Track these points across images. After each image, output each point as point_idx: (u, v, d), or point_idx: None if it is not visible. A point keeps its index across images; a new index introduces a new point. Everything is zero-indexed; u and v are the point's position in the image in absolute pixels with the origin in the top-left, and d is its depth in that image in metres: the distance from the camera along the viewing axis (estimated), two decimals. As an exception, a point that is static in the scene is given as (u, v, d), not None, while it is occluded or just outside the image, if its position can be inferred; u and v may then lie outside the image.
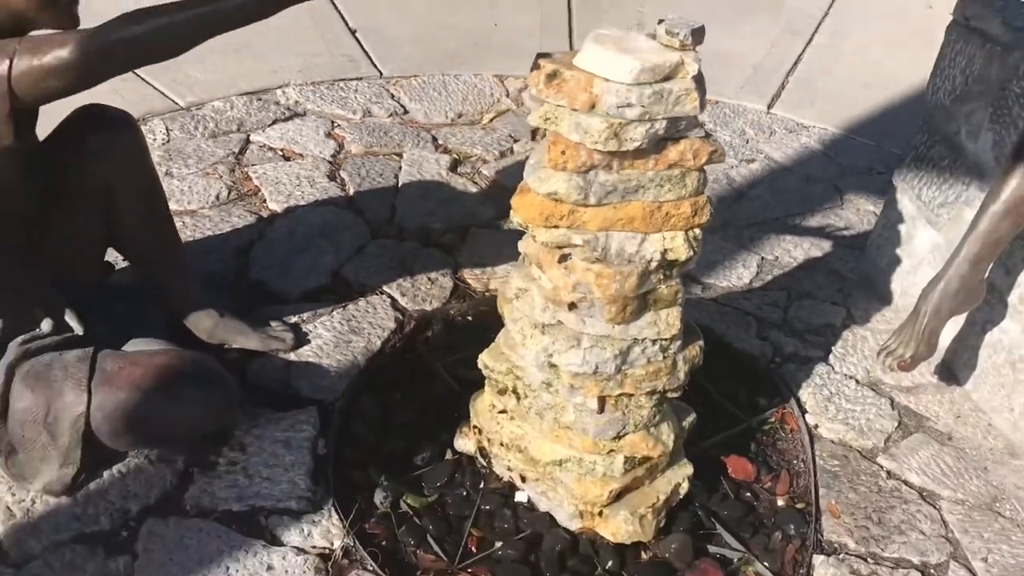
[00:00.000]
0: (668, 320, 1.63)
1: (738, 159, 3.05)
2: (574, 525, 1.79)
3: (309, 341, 2.12)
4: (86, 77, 1.41)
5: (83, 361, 1.71)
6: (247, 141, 2.82)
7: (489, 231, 2.59)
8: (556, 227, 1.53)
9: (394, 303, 2.28)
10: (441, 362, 2.15)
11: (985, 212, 1.81)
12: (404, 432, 1.97)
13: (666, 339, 1.65)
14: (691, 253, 1.57)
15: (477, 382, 2.00)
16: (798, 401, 2.13)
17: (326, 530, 1.71)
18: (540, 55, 1.48)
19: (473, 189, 2.75)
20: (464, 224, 2.60)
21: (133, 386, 1.69)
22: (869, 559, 1.77)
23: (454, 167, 2.84)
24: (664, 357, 1.67)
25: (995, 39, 2.05)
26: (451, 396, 2.05)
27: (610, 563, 1.74)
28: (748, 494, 1.93)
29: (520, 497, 1.86)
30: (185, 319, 2.02)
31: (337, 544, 1.69)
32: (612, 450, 1.72)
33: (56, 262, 1.82)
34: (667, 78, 1.42)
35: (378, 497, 1.81)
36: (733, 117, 3.30)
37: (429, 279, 2.37)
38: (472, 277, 2.40)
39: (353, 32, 3.58)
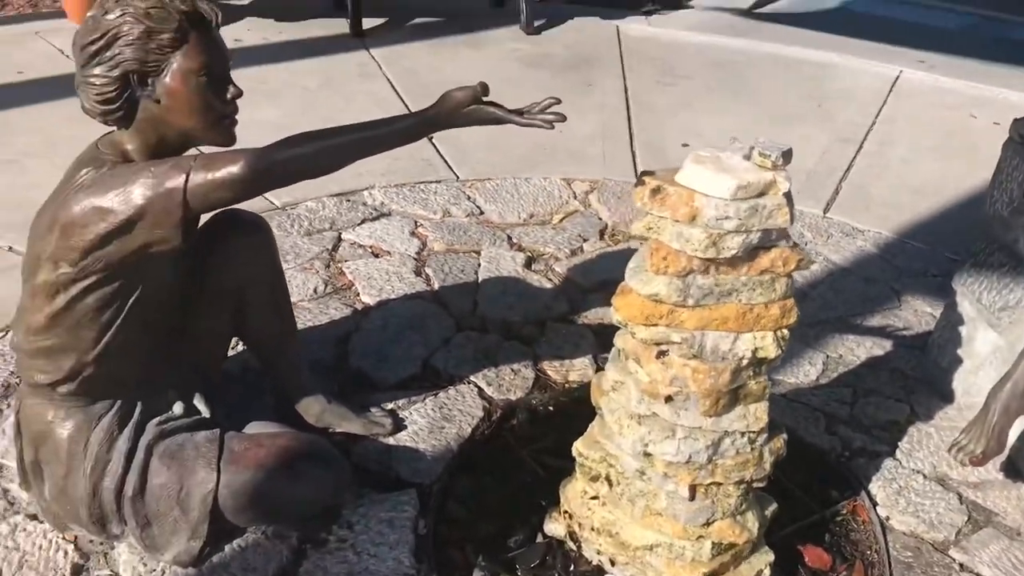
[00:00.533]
0: (756, 414, 1.76)
1: (798, 261, 3.20)
2: None
3: (406, 426, 2.27)
4: (251, 190, 1.60)
5: (212, 442, 1.87)
6: (339, 239, 3.02)
7: (564, 324, 2.74)
8: (656, 325, 1.68)
9: (481, 392, 2.43)
10: (527, 449, 2.28)
11: None
12: (497, 514, 2.09)
13: (754, 432, 1.78)
14: (779, 351, 1.71)
15: (563, 469, 2.13)
16: (868, 494, 2.23)
17: (431, 605, 1.83)
18: (644, 172, 1.65)
19: (548, 285, 2.91)
20: (541, 318, 2.75)
21: (258, 466, 1.84)
22: (947, 648, 1.85)
23: (529, 264, 3.01)
24: (752, 449, 1.80)
25: (1050, 154, 2.21)
26: (538, 482, 2.18)
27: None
28: (824, 583, 2.02)
29: (609, 579, 1.96)
30: (296, 404, 2.18)
31: (443, 619, 1.80)
32: (701, 536, 1.83)
33: (189, 350, 1.99)
34: (761, 194, 1.58)
35: (477, 576, 1.92)
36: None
37: (512, 370, 2.51)
38: (551, 369, 2.55)
39: (430, 138, 3.81)
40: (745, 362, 1.71)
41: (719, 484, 1.80)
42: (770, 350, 1.70)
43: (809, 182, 3.73)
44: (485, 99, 1.57)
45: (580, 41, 5.17)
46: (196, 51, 1.65)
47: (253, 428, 2.00)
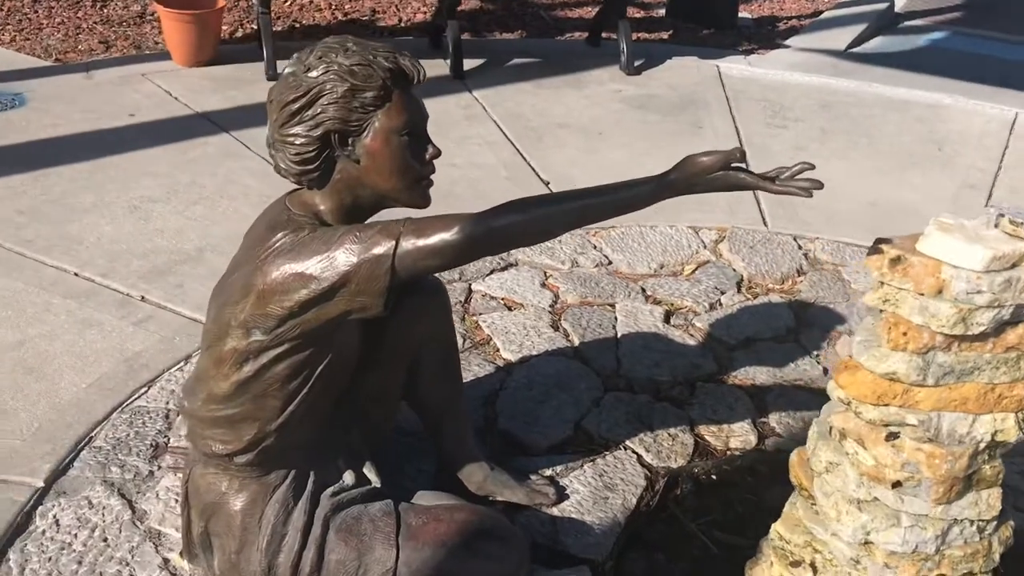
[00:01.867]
0: (989, 501, 1.62)
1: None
2: None
3: (568, 496, 2.15)
4: (463, 258, 1.51)
5: (389, 515, 1.77)
6: (470, 290, 2.93)
7: (715, 385, 2.61)
8: (888, 405, 1.55)
9: (640, 459, 2.30)
10: (696, 523, 2.15)
11: None
12: (675, 596, 1.96)
13: (985, 520, 1.63)
14: (1020, 434, 1.57)
15: (736, 546, 2.00)
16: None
17: None
18: (879, 240, 1.53)
19: (691, 341, 2.79)
20: (689, 377, 2.63)
21: (438, 542, 1.74)
22: None
23: (667, 318, 2.89)
24: (980, 538, 1.65)
25: None
26: (711, 559, 2.05)
27: None
28: None
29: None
30: (458, 470, 2.08)
31: None
32: (924, 633, 1.68)
33: (359, 414, 1.90)
34: (1014, 266, 1.45)
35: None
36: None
37: (669, 435, 2.39)
38: (710, 434, 2.41)
39: (547, 183, 3.73)
40: (983, 446, 1.57)
41: (944, 576, 1.66)
42: (1011, 433, 1.56)
43: (945, 232, 3.56)
44: (734, 165, 1.47)
45: (682, 82, 5.06)
46: (399, 110, 1.57)
47: (424, 499, 1.90)
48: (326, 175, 1.61)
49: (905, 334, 1.50)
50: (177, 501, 2.05)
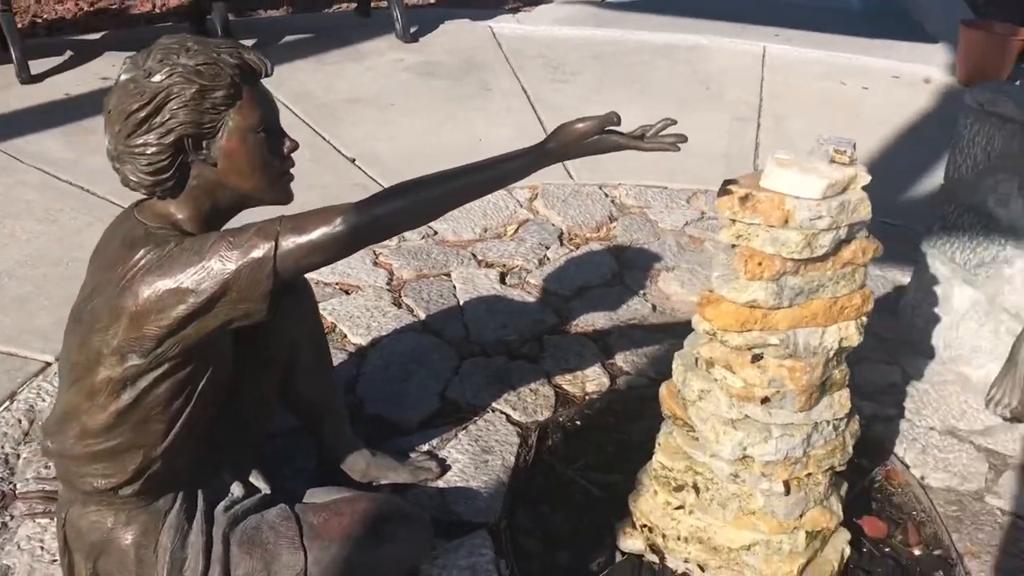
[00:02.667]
0: (841, 401, 1.81)
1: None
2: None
3: (449, 466, 2.19)
4: (348, 250, 1.49)
5: (288, 519, 1.74)
6: (303, 279, 2.87)
7: (560, 336, 2.72)
8: (751, 331, 1.70)
9: (508, 418, 2.37)
10: (571, 469, 2.25)
11: None
12: (568, 540, 2.05)
13: (839, 419, 1.83)
14: (861, 338, 1.76)
15: (614, 484, 2.13)
16: (897, 457, 2.34)
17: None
18: (727, 181, 1.66)
19: (529, 298, 2.88)
20: (536, 332, 2.72)
21: (344, 536, 1.73)
22: (1020, 590, 1.97)
23: (502, 280, 2.97)
24: (837, 435, 1.84)
25: (1012, 119, 2.37)
26: (593, 500, 2.16)
27: None
28: (887, 549, 2.11)
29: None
30: (341, 462, 2.06)
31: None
32: (796, 527, 1.87)
33: (238, 423, 1.84)
34: (845, 190, 1.62)
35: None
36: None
37: (530, 390, 2.47)
38: (566, 383, 2.52)
39: (352, 160, 3.69)
40: (832, 353, 1.75)
41: (811, 475, 1.84)
42: (854, 338, 1.76)
43: (730, 164, 3.86)
44: (608, 128, 1.53)
45: (460, 46, 5.12)
46: (251, 107, 1.52)
47: (316, 496, 1.88)
48: (182, 182, 1.53)
49: (760, 264, 1.64)
50: (43, 549, 1.91)
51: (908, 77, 5.04)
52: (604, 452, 2.31)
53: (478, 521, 2.06)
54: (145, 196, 1.58)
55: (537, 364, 2.58)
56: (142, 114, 1.47)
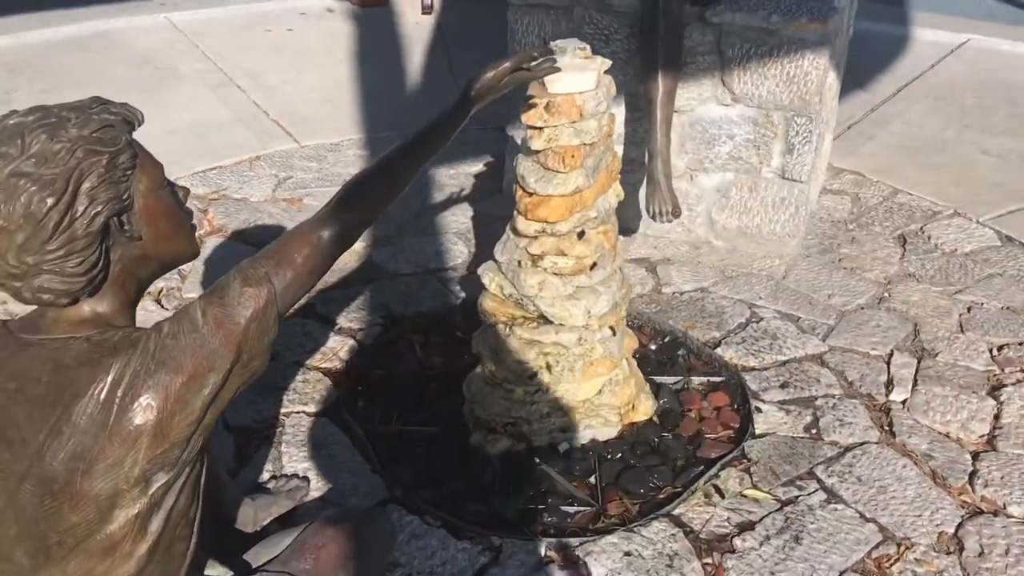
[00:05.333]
0: (618, 250, 2.23)
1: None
2: (617, 431, 2.31)
3: (308, 478, 2.14)
4: (333, 262, 1.43)
5: None
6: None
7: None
8: (575, 214, 2.01)
9: (305, 413, 2.36)
10: (394, 427, 2.36)
11: (657, 103, 2.71)
12: (448, 473, 2.21)
13: (620, 265, 2.24)
14: (621, 193, 2.18)
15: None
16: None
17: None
18: (527, 97, 1.90)
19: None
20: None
21: (342, 561, 1.69)
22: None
23: (163, 307, 2.77)
24: (623, 276, 2.27)
25: (553, 5, 2.93)
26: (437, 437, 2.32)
27: (662, 434, 2.33)
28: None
29: (562, 447, 2.28)
30: (236, 522, 1.91)
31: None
32: (622, 358, 2.28)
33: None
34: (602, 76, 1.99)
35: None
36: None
37: (300, 380, 2.46)
38: (317, 362, 2.55)
39: None
40: (612, 209, 2.15)
41: (621, 315, 2.25)
42: (621, 193, 2.17)
43: (252, 127, 3.91)
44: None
45: None
46: (148, 162, 1.34)
47: (265, 554, 1.76)
48: (106, 272, 1.31)
49: (573, 156, 1.94)
50: None
51: (314, 12, 5.43)
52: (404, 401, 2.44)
53: (376, 501, 2.09)
54: (43, 306, 1.30)
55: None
56: (59, 208, 1.21)
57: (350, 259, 3.03)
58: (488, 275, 2.17)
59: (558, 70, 1.74)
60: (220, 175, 3.52)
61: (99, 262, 1.27)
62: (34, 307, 1.33)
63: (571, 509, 2.12)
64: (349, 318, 2.71)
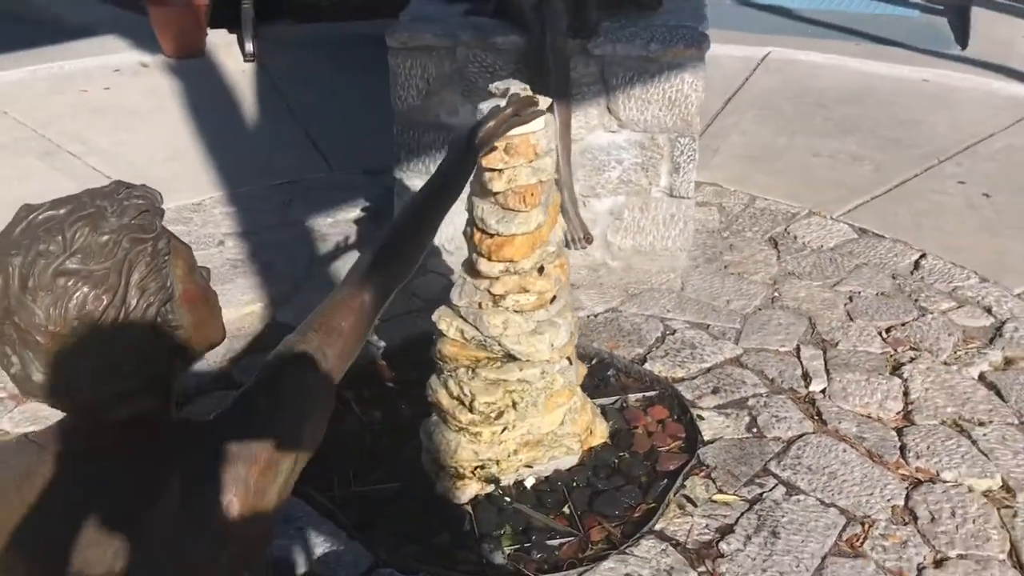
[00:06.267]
0: (568, 280, 2.28)
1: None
2: (577, 458, 2.35)
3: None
4: (374, 322, 1.38)
5: None
6: None
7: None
8: (535, 250, 2.04)
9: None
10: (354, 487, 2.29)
11: (556, 135, 2.79)
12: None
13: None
14: (564, 231, 2.24)
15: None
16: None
17: None
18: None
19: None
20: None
21: None
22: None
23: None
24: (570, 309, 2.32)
25: (435, 47, 2.95)
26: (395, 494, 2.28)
27: (620, 454, 2.38)
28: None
29: (529, 482, 2.30)
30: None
31: None
32: (578, 385, 2.33)
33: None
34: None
35: None
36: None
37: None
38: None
39: None
40: (561, 240, 2.20)
41: (574, 342, 2.30)
42: (564, 223, 2.22)
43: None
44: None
45: None
46: (178, 245, 1.25)
47: None
48: (159, 368, 1.21)
49: (532, 194, 1.97)
50: None
51: (128, 67, 5.15)
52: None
53: (367, 566, 2.02)
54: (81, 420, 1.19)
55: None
56: (115, 304, 1.12)
57: (253, 322, 2.91)
58: (445, 320, 2.15)
59: (542, 113, 1.77)
60: (81, 249, 3.27)
61: (160, 357, 1.18)
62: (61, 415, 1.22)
63: (555, 542, 2.14)
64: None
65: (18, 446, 1.22)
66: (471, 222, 2.07)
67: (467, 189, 2.13)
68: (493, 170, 1.94)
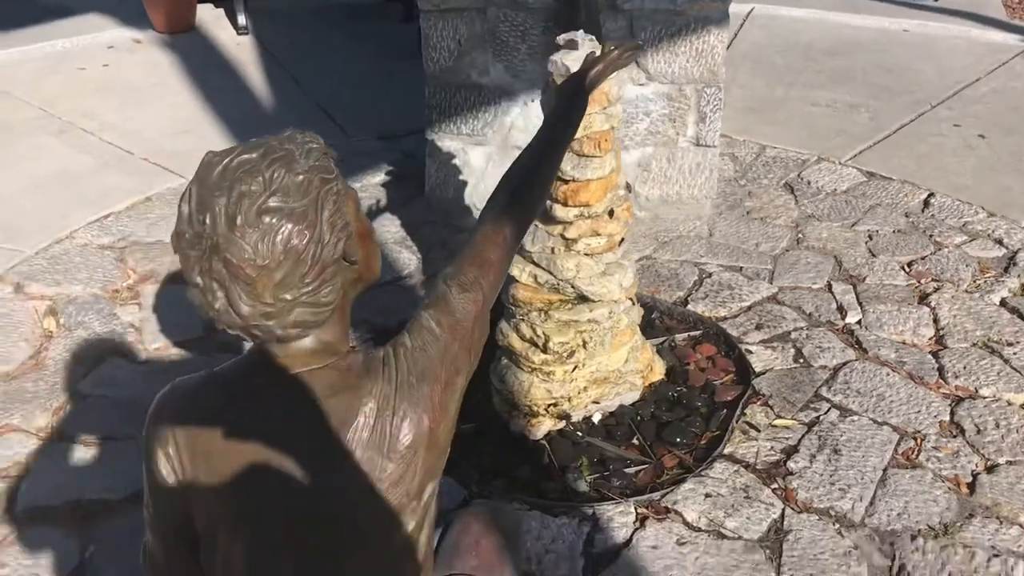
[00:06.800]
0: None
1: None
2: (639, 393, 2.47)
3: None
4: (514, 255, 1.49)
5: None
6: None
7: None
8: (608, 195, 2.14)
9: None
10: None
11: None
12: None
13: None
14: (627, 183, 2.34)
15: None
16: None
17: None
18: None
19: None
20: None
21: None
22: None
23: (130, 363, 2.61)
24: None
25: (466, 8, 3.02)
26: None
27: (678, 389, 2.51)
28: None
29: (596, 418, 2.42)
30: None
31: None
32: (638, 324, 2.45)
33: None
34: (611, 64, 2.14)
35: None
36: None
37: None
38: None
39: None
40: (623, 184, 2.31)
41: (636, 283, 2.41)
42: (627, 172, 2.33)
43: (182, 160, 3.69)
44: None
45: None
46: (348, 186, 1.35)
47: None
48: (337, 297, 1.31)
49: (606, 140, 2.08)
50: None
51: (121, 44, 5.13)
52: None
53: (461, 498, 2.13)
54: (273, 348, 1.28)
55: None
56: (314, 239, 1.21)
57: (302, 283, 2.98)
58: (516, 267, 2.25)
59: (641, 55, 1.87)
60: (118, 222, 3.31)
61: (339, 289, 1.27)
62: (245, 352, 1.31)
63: (631, 470, 2.26)
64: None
65: (210, 380, 1.32)
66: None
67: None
68: (569, 116, 2.04)
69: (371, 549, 1.27)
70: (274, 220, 1.18)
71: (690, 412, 2.44)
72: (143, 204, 3.44)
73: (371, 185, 3.59)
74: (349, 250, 1.29)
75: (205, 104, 4.35)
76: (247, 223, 1.17)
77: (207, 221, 1.18)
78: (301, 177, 1.21)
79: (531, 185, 1.56)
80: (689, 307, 2.83)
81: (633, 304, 2.39)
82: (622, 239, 2.25)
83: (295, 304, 1.22)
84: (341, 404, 1.25)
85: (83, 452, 2.28)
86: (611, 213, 2.19)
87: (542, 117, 3.02)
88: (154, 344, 2.67)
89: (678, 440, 2.34)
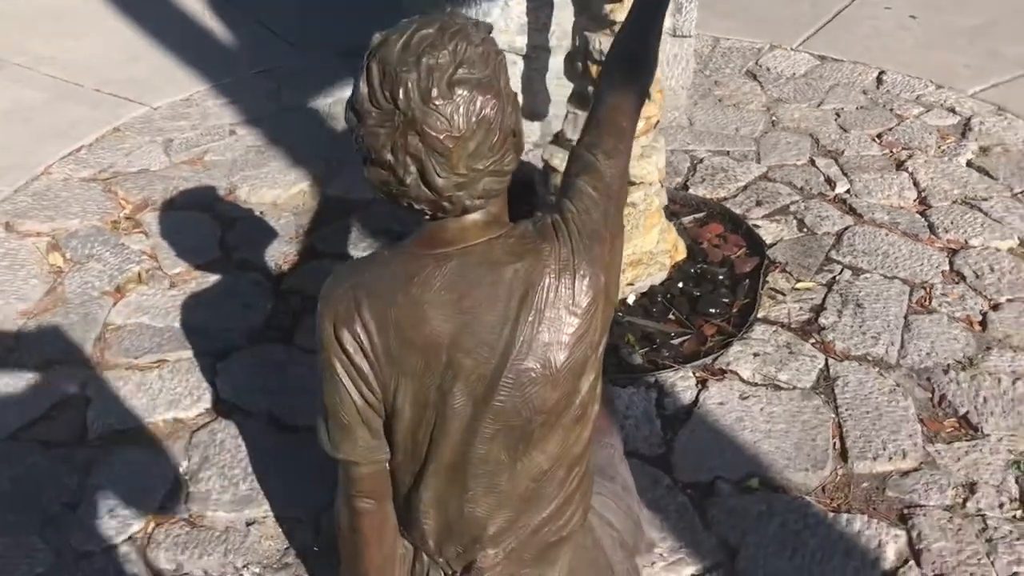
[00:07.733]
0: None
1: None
2: (666, 273, 2.59)
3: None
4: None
5: None
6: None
7: (285, 281, 2.62)
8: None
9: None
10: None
11: None
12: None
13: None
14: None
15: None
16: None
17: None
18: None
19: (208, 281, 2.61)
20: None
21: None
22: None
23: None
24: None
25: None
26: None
27: (699, 265, 2.65)
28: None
29: (631, 299, 2.54)
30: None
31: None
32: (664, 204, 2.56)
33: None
34: None
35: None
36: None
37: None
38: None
39: None
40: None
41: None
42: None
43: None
44: None
45: None
46: (501, 56, 1.40)
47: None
48: (507, 168, 1.36)
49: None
50: None
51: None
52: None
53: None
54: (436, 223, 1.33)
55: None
56: (502, 109, 1.26)
57: (306, 200, 2.97)
58: (558, 157, 2.32)
59: None
60: (92, 154, 3.19)
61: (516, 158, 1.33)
62: (418, 228, 1.35)
63: (676, 341, 2.40)
64: (360, 248, 2.71)
65: (382, 260, 1.36)
66: (583, 56, 2.23)
67: (570, 24, 2.29)
68: (614, 0, 2.10)
69: (566, 399, 1.35)
70: (465, 91, 1.22)
71: (716, 286, 2.58)
72: (113, 135, 3.32)
73: (343, 100, 3.54)
74: (518, 119, 1.35)
75: (145, 31, 4.16)
76: (440, 95, 1.21)
77: (400, 96, 1.21)
78: (481, 48, 1.25)
79: (641, 55, 1.63)
80: (690, 191, 2.96)
81: (662, 186, 2.49)
82: (657, 121, 2.34)
83: (485, 173, 1.27)
84: (527, 266, 1.31)
85: (139, 376, 2.27)
86: (648, 96, 2.27)
87: (525, 17, 3.08)
88: (174, 269, 2.63)
89: (712, 311, 2.49)
